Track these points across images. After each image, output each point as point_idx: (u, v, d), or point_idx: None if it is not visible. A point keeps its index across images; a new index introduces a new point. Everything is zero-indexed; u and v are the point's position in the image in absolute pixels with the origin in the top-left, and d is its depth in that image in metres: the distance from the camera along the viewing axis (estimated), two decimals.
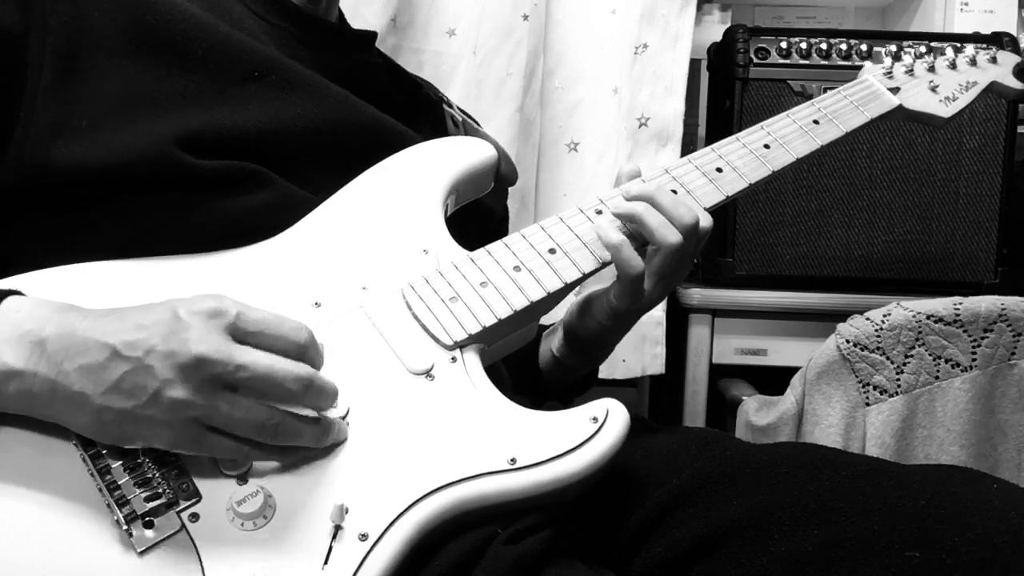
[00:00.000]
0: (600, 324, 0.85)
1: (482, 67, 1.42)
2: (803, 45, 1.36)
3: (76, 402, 0.58)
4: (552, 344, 0.93)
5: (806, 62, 1.36)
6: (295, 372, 0.60)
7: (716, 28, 1.57)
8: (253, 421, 0.59)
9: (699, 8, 1.53)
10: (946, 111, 1.00)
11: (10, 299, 0.61)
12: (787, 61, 1.36)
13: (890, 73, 0.99)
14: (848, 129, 0.92)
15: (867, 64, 1.01)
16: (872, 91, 0.97)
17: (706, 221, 0.79)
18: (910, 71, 1.00)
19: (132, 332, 0.58)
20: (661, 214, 0.77)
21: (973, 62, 1.05)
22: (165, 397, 0.57)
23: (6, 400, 0.58)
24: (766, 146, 0.88)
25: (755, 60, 1.36)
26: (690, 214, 0.77)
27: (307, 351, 0.62)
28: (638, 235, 0.78)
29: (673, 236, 0.76)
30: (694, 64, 1.50)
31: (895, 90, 0.98)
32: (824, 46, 1.36)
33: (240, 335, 0.59)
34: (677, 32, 1.44)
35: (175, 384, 0.57)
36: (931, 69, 1.02)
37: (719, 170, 0.85)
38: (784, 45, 1.36)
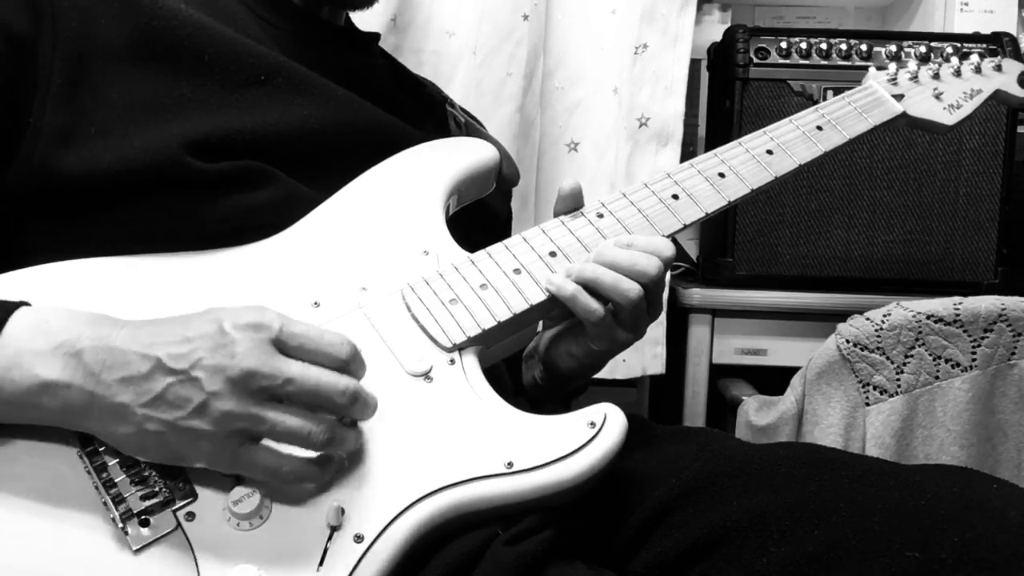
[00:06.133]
0: (580, 362, 0.83)
1: (482, 67, 1.42)
2: (803, 45, 1.36)
3: (117, 413, 0.58)
4: (535, 373, 0.91)
5: (806, 62, 1.36)
6: (342, 384, 0.60)
7: (716, 28, 1.57)
8: (302, 430, 0.59)
9: (699, 8, 1.53)
10: (950, 119, 0.99)
11: (34, 311, 0.60)
12: (787, 61, 1.36)
13: (894, 79, 0.98)
14: (851, 136, 0.91)
15: (871, 70, 1.00)
16: (876, 97, 0.96)
17: (666, 260, 0.76)
18: (915, 78, 0.99)
19: (177, 345, 0.58)
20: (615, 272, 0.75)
21: (978, 70, 1.04)
22: (213, 408, 0.57)
23: (39, 412, 0.58)
24: (769, 151, 0.87)
25: (755, 60, 1.35)
26: (631, 286, 0.74)
27: (349, 365, 0.62)
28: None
29: (633, 291, 0.74)
30: (694, 64, 1.50)
31: (899, 97, 0.97)
32: (824, 46, 1.36)
33: (283, 348, 0.60)
34: (677, 32, 1.44)
35: (223, 396, 0.57)
36: (936, 76, 1.01)
37: (722, 175, 0.85)
38: (784, 45, 1.36)
